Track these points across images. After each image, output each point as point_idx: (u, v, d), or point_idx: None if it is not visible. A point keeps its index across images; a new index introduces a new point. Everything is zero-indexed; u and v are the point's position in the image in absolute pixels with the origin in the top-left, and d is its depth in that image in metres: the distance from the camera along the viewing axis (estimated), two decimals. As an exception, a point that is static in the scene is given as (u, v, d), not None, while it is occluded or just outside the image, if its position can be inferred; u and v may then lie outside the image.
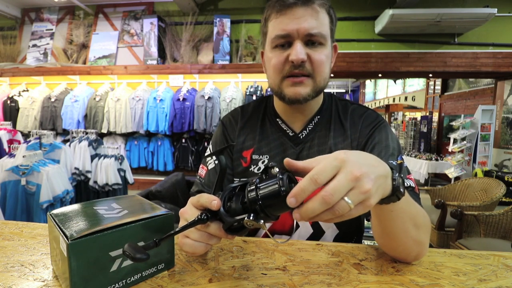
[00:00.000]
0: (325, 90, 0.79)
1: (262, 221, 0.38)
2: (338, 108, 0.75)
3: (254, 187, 0.39)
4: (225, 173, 0.48)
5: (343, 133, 0.71)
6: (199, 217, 0.42)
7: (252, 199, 0.38)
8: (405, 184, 0.58)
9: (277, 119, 0.76)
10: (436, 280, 0.47)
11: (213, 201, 0.42)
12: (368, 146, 0.68)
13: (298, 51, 0.60)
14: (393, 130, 9.87)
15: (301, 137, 0.72)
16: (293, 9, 0.61)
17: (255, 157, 0.74)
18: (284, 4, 0.62)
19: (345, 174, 0.34)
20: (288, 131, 0.74)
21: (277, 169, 0.40)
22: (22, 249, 0.55)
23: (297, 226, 0.71)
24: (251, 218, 0.38)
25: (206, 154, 0.79)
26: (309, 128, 0.72)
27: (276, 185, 0.37)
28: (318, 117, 0.73)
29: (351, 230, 0.72)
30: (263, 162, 0.73)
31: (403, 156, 0.67)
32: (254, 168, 0.73)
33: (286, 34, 0.62)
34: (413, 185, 0.63)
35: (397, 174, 0.40)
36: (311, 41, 0.62)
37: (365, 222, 0.80)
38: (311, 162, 0.38)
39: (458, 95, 6.45)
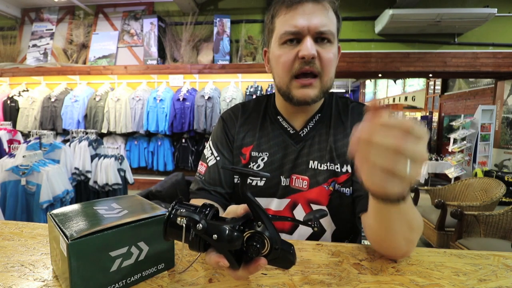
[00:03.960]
0: None
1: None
2: (339, 106, 0.75)
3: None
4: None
5: (344, 130, 0.71)
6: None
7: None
8: None
9: (278, 117, 0.76)
10: (436, 280, 0.47)
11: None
12: None
13: (309, 46, 0.59)
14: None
15: (302, 134, 0.73)
16: (304, 5, 0.61)
17: (254, 154, 0.74)
18: (294, 0, 0.61)
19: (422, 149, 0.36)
20: (289, 129, 0.74)
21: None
22: (22, 249, 0.55)
23: (297, 225, 0.71)
24: (197, 226, 0.36)
25: (205, 151, 0.79)
26: (310, 126, 0.73)
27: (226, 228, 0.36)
28: (319, 115, 0.73)
29: (347, 227, 0.72)
30: (262, 160, 0.73)
31: None
32: (253, 166, 0.73)
33: (296, 31, 0.61)
34: None
35: None
36: (320, 38, 0.62)
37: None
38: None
39: (458, 95, 6.45)
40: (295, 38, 0.62)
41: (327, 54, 0.62)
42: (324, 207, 0.68)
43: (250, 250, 0.37)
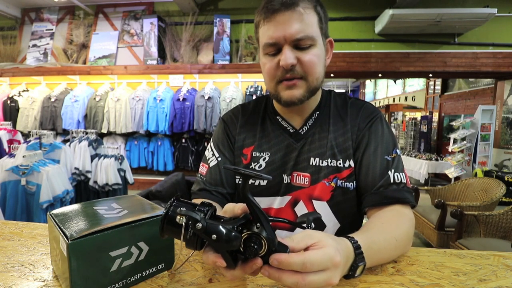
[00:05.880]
0: (325, 89, 0.80)
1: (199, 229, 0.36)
2: (337, 103, 0.76)
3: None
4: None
5: (343, 126, 0.72)
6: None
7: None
8: (397, 179, 0.64)
9: (277, 117, 0.77)
10: (436, 280, 0.47)
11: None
12: (364, 140, 0.69)
13: (287, 56, 0.61)
14: (393, 130, 9.87)
15: (302, 133, 0.73)
16: (278, 15, 0.61)
17: (255, 154, 0.74)
18: (269, 11, 0.62)
19: (327, 278, 0.38)
20: (288, 128, 0.75)
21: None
22: (22, 249, 0.55)
23: None
24: (197, 225, 0.36)
25: (206, 152, 0.79)
26: (309, 124, 0.74)
27: (224, 230, 0.36)
28: (318, 112, 0.74)
29: (350, 223, 0.72)
30: (264, 159, 0.74)
31: (398, 150, 0.69)
32: (255, 165, 0.74)
33: (274, 42, 0.63)
34: (405, 181, 0.65)
35: (356, 262, 0.44)
36: (299, 44, 0.63)
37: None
38: (303, 239, 0.39)
39: (458, 95, 6.45)
40: (275, 48, 0.64)
41: (308, 58, 0.63)
42: (324, 202, 0.69)
43: (247, 251, 0.37)
